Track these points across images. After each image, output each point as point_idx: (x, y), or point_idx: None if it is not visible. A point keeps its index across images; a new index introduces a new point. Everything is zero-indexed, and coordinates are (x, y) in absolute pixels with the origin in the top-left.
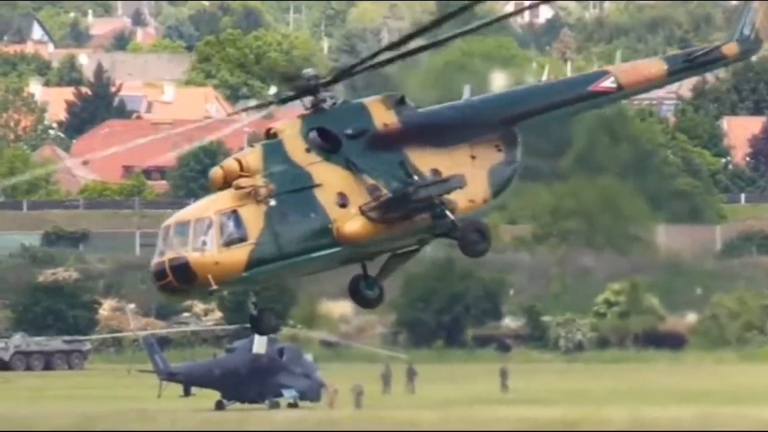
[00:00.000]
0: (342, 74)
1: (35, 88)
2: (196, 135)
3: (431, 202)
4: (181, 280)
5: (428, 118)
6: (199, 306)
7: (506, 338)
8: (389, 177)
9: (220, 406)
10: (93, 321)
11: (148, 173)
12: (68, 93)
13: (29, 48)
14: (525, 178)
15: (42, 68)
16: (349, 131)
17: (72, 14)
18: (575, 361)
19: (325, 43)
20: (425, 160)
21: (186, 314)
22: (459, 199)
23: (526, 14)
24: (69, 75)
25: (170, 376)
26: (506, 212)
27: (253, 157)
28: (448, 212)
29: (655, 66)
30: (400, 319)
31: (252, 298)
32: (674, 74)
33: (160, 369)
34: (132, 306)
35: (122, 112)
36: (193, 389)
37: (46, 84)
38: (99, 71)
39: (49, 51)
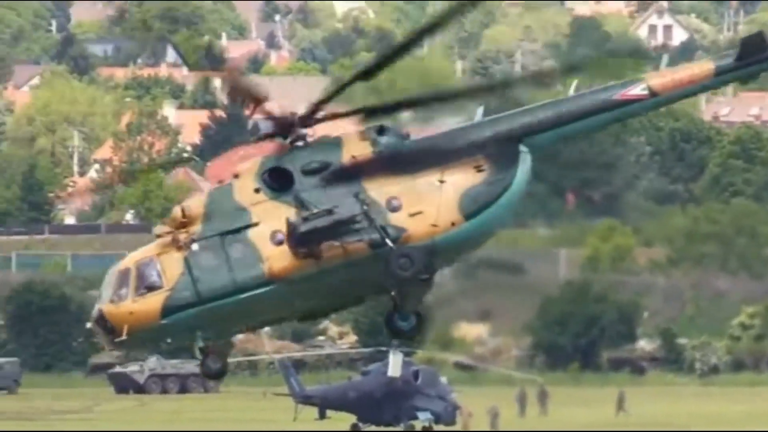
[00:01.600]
0: (317, 107)
1: (169, 111)
2: None
3: (357, 230)
4: (104, 331)
5: (400, 148)
6: (334, 329)
7: (641, 361)
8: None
9: (355, 428)
10: (228, 344)
11: None
12: (202, 116)
13: (163, 71)
14: (660, 201)
15: (176, 91)
16: (308, 168)
17: (206, 37)
18: (710, 384)
19: (459, 66)
20: (383, 190)
21: (321, 337)
22: (418, 224)
23: (660, 36)
24: (203, 98)
25: (306, 399)
26: (641, 235)
27: (195, 203)
28: (388, 240)
29: (702, 66)
30: (536, 342)
31: (199, 343)
32: (724, 73)
33: (296, 392)
34: (267, 329)
35: (256, 134)
36: (329, 412)
37: (180, 107)
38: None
39: (183, 74)
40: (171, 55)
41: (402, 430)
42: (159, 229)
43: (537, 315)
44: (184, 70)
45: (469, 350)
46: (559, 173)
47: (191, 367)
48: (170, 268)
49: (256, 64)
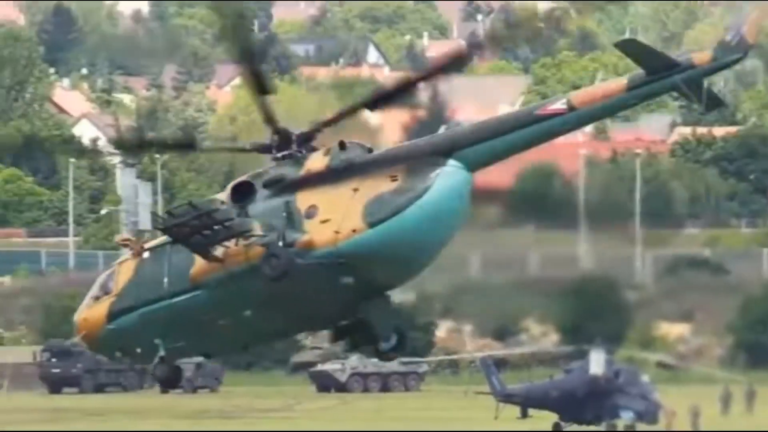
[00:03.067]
0: (319, 128)
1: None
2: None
3: (230, 228)
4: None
5: (341, 163)
6: (535, 328)
7: None
8: (271, 221)
9: (557, 427)
10: (429, 343)
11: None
12: (404, 116)
13: (365, 71)
14: None
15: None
16: (267, 181)
17: (407, 37)
18: None
19: None
20: (307, 199)
21: (523, 336)
22: (323, 231)
23: None
24: None
25: (507, 398)
26: None
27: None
28: (279, 246)
29: (617, 82)
30: (738, 341)
31: (161, 352)
32: (636, 88)
33: (497, 390)
34: (469, 327)
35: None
36: (530, 411)
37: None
38: (434, 94)
39: (384, 74)
40: (372, 54)
41: (604, 429)
42: (118, 237)
43: (739, 314)
44: (386, 70)
45: (671, 349)
46: (762, 172)
47: (393, 365)
48: (122, 275)
49: None
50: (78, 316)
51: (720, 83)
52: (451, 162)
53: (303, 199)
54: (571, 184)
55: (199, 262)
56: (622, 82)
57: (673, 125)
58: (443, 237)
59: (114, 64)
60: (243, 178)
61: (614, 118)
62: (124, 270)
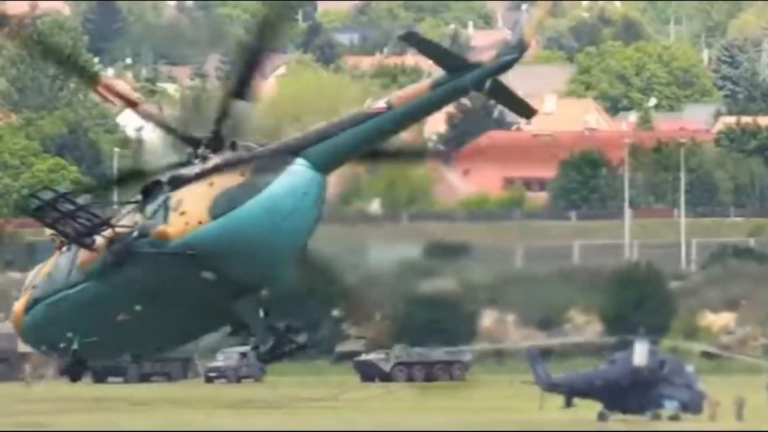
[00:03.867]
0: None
1: None
2: (576, 146)
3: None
4: None
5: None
6: (579, 318)
7: None
8: (154, 215)
9: (602, 417)
10: (474, 332)
11: (528, 184)
12: (448, 105)
13: (409, 60)
14: None
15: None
16: (170, 178)
17: (452, 26)
18: None
19: (706, 55)
20: (179, 194)
21: (567, 326)
22: (177, 222)
23: None
24: None
25: (552, 387)
26: None
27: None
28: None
29: (424, 82)
30: None
31: (74, 345)
32: (437, 87)
33: (542, 380)
34: (513, 317)
35: (502, 123)
36: (575, 400)
37: None
38: None
39: (428, 63)
40: None
41: (649, 419)
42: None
43: None
44: (430, 60)
45: (715, 339)
46: None
47: (438, 354)
48: (44, 267)
49: None
50: (14, 308)
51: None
52: (299, 161)
53: (176, 195)
54: (616, 173)
55: (83, 252)
56: (427, 81)
57: (718, 115)
58: (288, 234)
59: (158, 54)
60: (157, 177)
61: (658, 108)
62: (48, 262)
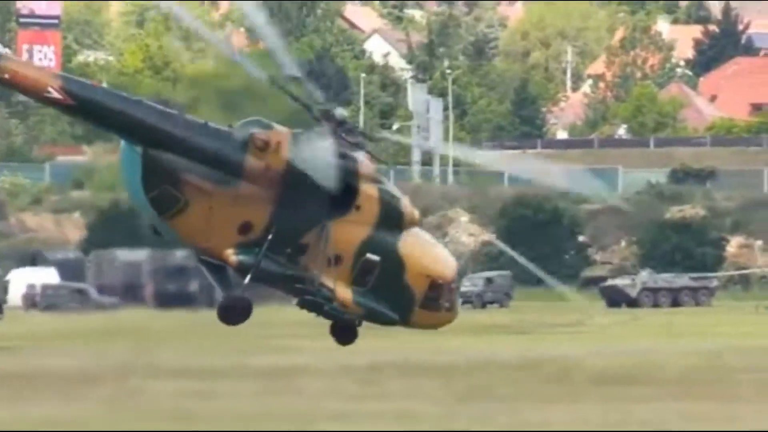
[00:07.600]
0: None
1: (663, 26)
2: None
3: None
4: None
5: None
6: None
7: None
8: None
9: None
10: (720, 258)
11: None
12: (696, 31)
13: None
14: None
15: (671, 7)
16: None
17: None
18: None
19: None
20: None
21: None
22: None
23: None
24: (697, 13)
25: None
26: None
27: None
28: None
29: None
30: None
31: None
32: None
33: None
34: (759, 243)
35: (750, 49)
36: None
37: (674, 22)
38: (727, 9)
39: None
40: None
41: None
42: None
43: None
44: None
45: None
46: None
47: (684, 280)
48: None
49: None
50: None
51: None
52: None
53: None
54: None
55: None
56: None
57: None
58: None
59: None
60: None
61: None
62: None
